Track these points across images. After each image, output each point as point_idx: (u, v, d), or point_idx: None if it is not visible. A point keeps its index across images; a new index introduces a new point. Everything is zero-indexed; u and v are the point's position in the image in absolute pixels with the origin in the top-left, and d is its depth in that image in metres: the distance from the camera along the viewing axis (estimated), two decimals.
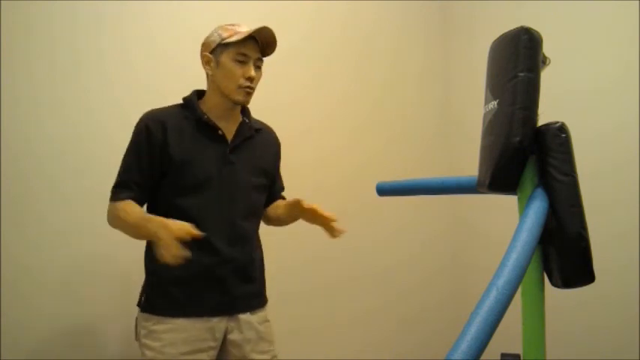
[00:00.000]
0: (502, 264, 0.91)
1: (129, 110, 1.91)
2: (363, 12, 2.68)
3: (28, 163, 1.76)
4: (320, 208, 1.58)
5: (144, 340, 1.46)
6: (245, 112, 1.63)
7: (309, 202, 1.59)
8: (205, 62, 1.53)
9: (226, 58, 1.49)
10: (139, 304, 1.51)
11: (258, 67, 1.54)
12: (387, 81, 2.76)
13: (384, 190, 1.70)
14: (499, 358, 1.97)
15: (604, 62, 2.33)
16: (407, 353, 2.68)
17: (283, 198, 1.78)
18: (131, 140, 1.50)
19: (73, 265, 1.81)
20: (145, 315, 1.47)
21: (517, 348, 1.21)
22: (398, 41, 2.83)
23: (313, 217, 1.60)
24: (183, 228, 1.31)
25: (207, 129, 1.51)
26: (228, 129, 1.55)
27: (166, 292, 1.46)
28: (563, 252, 1.14)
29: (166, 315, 1.44)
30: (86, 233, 1.83)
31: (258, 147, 1.60)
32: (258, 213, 1.63)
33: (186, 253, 1.29)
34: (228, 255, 1.49)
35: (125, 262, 1.88)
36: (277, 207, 1.72)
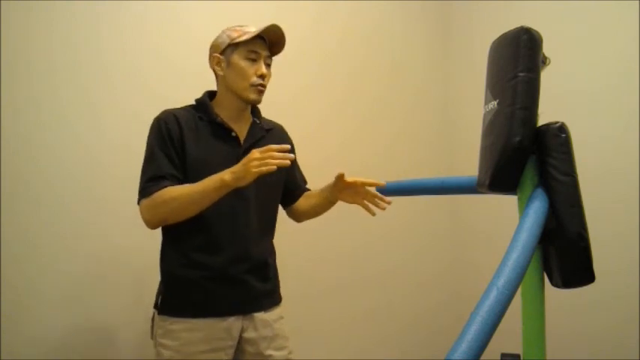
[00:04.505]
0: (502, 264, 0.91)
1: (129, 111, 1.92)
2: (363, 12, 2.68)
3: (28, 165, 1.76)
4: (364, 179, 1.60)
5: (160, 340, 1.45)
6: (255, 112, 1.63)
7: (351, 177, 1.59)
8: (215, 63, 1.54)
9: (237, 58, 1.50)
10: (155, 306, 1.51)
11: (267, 65, 1.55)
12: (387, 81, 2.76)
13: (384, 191, 1.70)
14: (499, 358, 1.97)
15: (604, 62, 2.33)
16: (407, 353, 2.69)
17: (308, 189, 1.79)
18: (152, 137, 1.47)
19: (72, 267, 1.81)
20: (162, 316, 1.47)
21: (517, 348, 1.21)
22: (398, 41, 2.83)
23: (356, 192, 1.61)
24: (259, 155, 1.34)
25: (221, 130, 1.51)
26: (241, 130, 1.55)
27: (182, 293, 1.47)
28: (563, 252, 1.14)
29: (183, 316, 1.44)
30: (85, 235, 1.83)
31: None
32: (271, 213, 1.63)
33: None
34: (243, 255, 1.49)
35: (126, 263, 1.88)
36: (309, 197, 1.73)
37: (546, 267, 1.19)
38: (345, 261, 2.52)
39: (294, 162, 1.74)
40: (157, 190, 1.40)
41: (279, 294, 1.65)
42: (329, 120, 2.52)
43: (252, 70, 1.50)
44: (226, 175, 1.36)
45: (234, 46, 1.50)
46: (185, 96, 1.60)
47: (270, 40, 1.54)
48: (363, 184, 1.61)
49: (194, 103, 1.56)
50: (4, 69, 1.72)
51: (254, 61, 1.50)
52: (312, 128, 2.45)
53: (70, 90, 1.84)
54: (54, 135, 1.80)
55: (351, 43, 2.62)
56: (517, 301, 0.96)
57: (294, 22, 2.41)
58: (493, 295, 0.83)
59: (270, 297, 1.59)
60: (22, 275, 1.72)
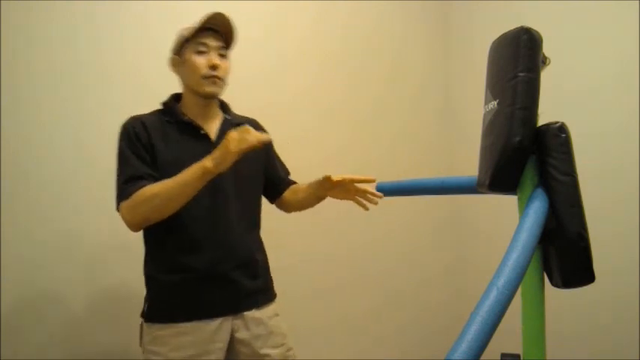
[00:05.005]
0: (502, 264, 0.91)
1: (129, 111, 1.91)
2: (363, 13, 2.68)
3: (28, 165, 1.76)
4: (352, 175, 1.60)
5: (149, 347, 1.44)
6: (225, 108, 1.61)
7: (338, 175, 1.59)
8: (173, 65, 1.54)
9: (189, 53, 1.49)
10: (142, 314, 1.49)
11: (222, 56, 1.52)
12: (387, 81, 2.76)
13: (384, 190, 1.70)
14: (499, 358, 1.97)
15: (604, 62, 2.33)
16: (407, 353, 2.69)
17: (294, 182, 1.77)
18: (122, 143, 1.46)
19: (73, 267, 1.81)
20: (149, 323, 1.46)
21: (517, 348, 1.21)
22: (398, 41, 2.83)
23: (346, 189, 1.61)
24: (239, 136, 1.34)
25: (190, 130, 1.50)
26: (210, 128, 1.53)
27: (167, 298, 1.45)
28: (563, 252, 1.14)
29: (170, 321, 1.43)
30: (86, 235, 1.83)
31: None
32: (253, 207, 1.60)
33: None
34: (227, 253, 1.48)
35: (127, 262, 1.88)
36: (297, 191, 1.72)
37: (546, 267, 1.19)
38: (345, 261, 2.52)
39: (274, 156, 1.73)
40: (135, 190, 1.37)
41: (273, 291, 1.63)
42: (329, 120, 2.52)
43: (203, 63, 1.48)
44: (207, 161, 1.35)
45: (185, 43, 1.50)
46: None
47: (223, 32, 1.53)
48: (352, 182, 1.60)
49: (161, 107, 1.55)
50: (4, 69, 1.72)
51: (204, 53, 1.49)
52: (312, 128, 2.45)
53: (70, 90, 1.84)
54: (54, 135, 1.80)
55: (351, 43, 2.62)
56: (517, 301, 0.96)
57: (294, 22, 2.42)
58: (493, 295, 0.83)
59: (262, 294, 1.57)
60: (22, 275, 1.72)
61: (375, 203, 1.63)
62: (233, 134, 1.34)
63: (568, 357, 2.31)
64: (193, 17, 2.11)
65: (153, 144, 1.44)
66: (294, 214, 2.08)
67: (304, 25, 2.46)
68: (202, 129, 1.51)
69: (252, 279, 1.53)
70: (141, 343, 1.49)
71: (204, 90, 1.49)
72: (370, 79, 2.69)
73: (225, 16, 1.50)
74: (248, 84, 2.22)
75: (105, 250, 1.87)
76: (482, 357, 0.76)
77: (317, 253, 2.42)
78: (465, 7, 2.94)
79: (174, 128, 1.49)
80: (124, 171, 1.43)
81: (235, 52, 2.24)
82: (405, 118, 2.82)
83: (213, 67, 1.48)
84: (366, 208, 1.64)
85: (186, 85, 1.53)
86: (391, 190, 1.69)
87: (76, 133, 1.84)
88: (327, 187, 1.62)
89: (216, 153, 1.34)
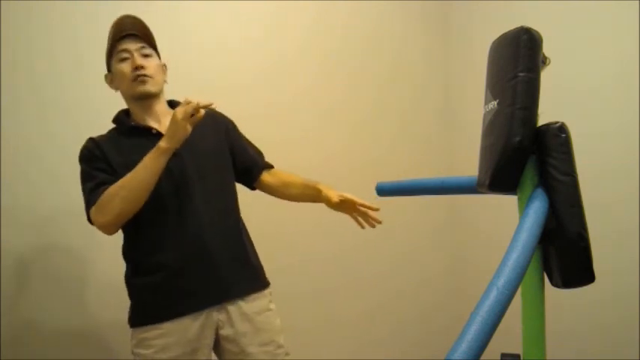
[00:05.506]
0: (502, 264, 0.91)
1: None
2: (363, 12, 2.68)
3: (29, 165, 1.76)
4: (355, 198, 1.60)
5: (135, 350, 1.44)
6: (174, 106, 1.58)
7: (338, 193, 1.61)
8: (108, 82, 1.56)
9: (115, 65, 1.52)
10: (128, 321, 1.49)
11: (146, 56, 1.52)
12: (387, 81, 2.76)
13: (383, 191, 1.70)
14: (499, 358, 1.97)
15: (604, 62, 2.33)
16: (407, 353, 2.69)
17: (270, 165, 1.75)
18: (82, 163, 1.48)
19: (74, 267, 1.81)
20: (135, 328, 1.46)
21: (517, 348, 1.21)
22: (398, 41, 2.83)
23: (346, 206, 1.62)
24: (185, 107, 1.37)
25: (141, 132, 1.51)
26: (163, 127, 1.50)
27: (146, 300, 1.45)
28: (563, 252, 1.14)
29: (153, 322, 1.42)
30: (88, 234, 1.83)
31: (199, 131, 1.47)
32: (223, 194, 1.58)
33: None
34: (201, 243, 1.46)
35: None
36: (289, 184, 1.70)
37: (546, 267, 1.19)
38: (345, 261, 2.52)
39: (239, 137, 1.70)
40: (101, 194, 1.39)
41: (262, 280, 1.60)
42: (329, 120, 2.52)
43: (127, 68, 1.49)
44: (160, 142, 1.38)
45: (109, 57, 1.53)
46: (184, 96, 1.59)
47: (138, 33, 1.53)
48: (354, 204, 1.61)
49: (113, 125, 1.56)
50: (4, 69, 1.72)
51: (127, 59, 1.50)
52: (312, 128, 2.45)
53: (71, 90, 1.84)
54: (54, 135, 1.80)
55: (351, 43, 2.62)
56: (517, 301, 0.96)
57: (294, 22, 2.42)
58: (493, 295, 0.83)
59: (246, 283, 1.53)
60: (22, 275, 1.72)
61: (373, 226, 1.63)
62: (178, 108, 1.37)
63: (568, 357, 2.31)
64: (194, 18, 2.12)
65: (108, 157, 1.46)
66: (294, 215, 2.08)
67: (304, 25, 2.46)
68: (153, 128, 1.51)
69: (232, 267, 1.50)
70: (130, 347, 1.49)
71: (136, 91, 1.50)
72: (370, 79, 2.69)
73: (132, 17, 1.53)
74: (248, 84, 2.22)
75: (107, 245, 1.86)
76: (483, 357, 0.76)
77: (316, 253, 2.42)
78: (465, 7, 2.94)
79: (126, 136, 1.51)
80: (87, 186, 1.45)
81: (235, 52, 2.25)
82: (405, 118, 2.82)
83: (138, 68, 1.49)
84: (363, 227, 1.64)
85: (124, 95, 1.55)
86: (391, 190, 1.69)
87: (77, 133, 1.84)
88: (324, 200, 1.63)
89: (167, 131, 1.38)
